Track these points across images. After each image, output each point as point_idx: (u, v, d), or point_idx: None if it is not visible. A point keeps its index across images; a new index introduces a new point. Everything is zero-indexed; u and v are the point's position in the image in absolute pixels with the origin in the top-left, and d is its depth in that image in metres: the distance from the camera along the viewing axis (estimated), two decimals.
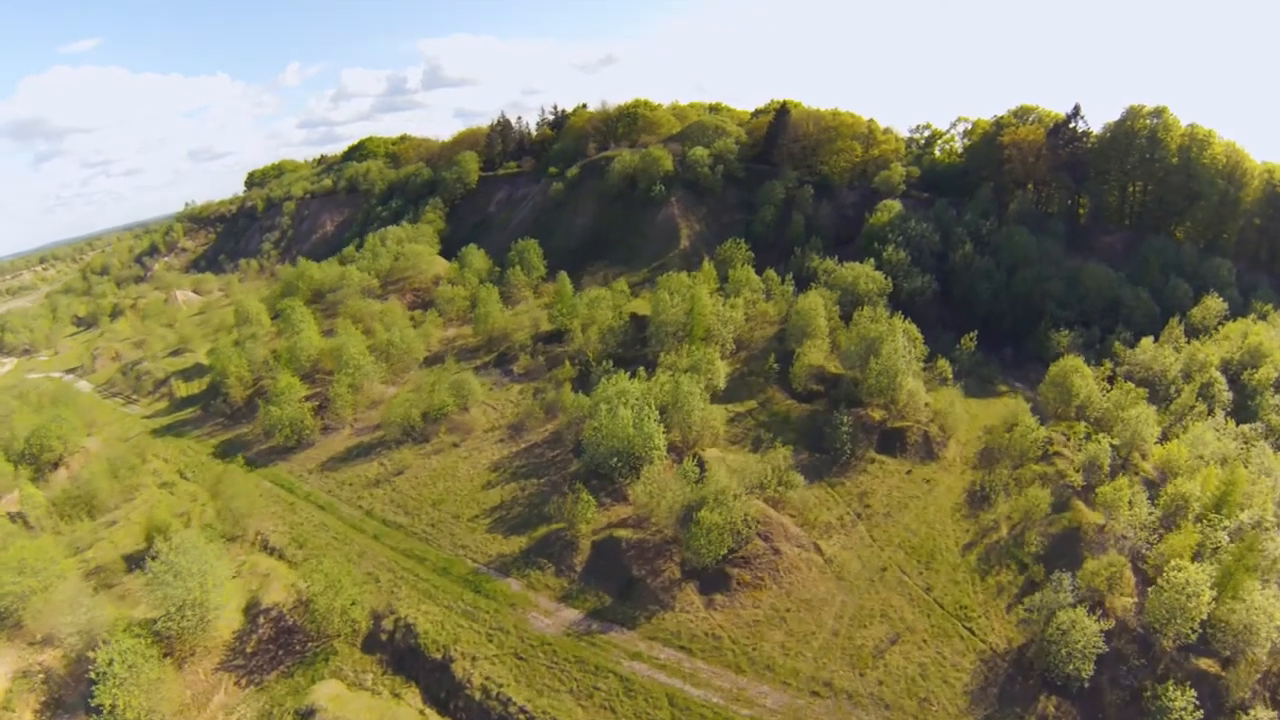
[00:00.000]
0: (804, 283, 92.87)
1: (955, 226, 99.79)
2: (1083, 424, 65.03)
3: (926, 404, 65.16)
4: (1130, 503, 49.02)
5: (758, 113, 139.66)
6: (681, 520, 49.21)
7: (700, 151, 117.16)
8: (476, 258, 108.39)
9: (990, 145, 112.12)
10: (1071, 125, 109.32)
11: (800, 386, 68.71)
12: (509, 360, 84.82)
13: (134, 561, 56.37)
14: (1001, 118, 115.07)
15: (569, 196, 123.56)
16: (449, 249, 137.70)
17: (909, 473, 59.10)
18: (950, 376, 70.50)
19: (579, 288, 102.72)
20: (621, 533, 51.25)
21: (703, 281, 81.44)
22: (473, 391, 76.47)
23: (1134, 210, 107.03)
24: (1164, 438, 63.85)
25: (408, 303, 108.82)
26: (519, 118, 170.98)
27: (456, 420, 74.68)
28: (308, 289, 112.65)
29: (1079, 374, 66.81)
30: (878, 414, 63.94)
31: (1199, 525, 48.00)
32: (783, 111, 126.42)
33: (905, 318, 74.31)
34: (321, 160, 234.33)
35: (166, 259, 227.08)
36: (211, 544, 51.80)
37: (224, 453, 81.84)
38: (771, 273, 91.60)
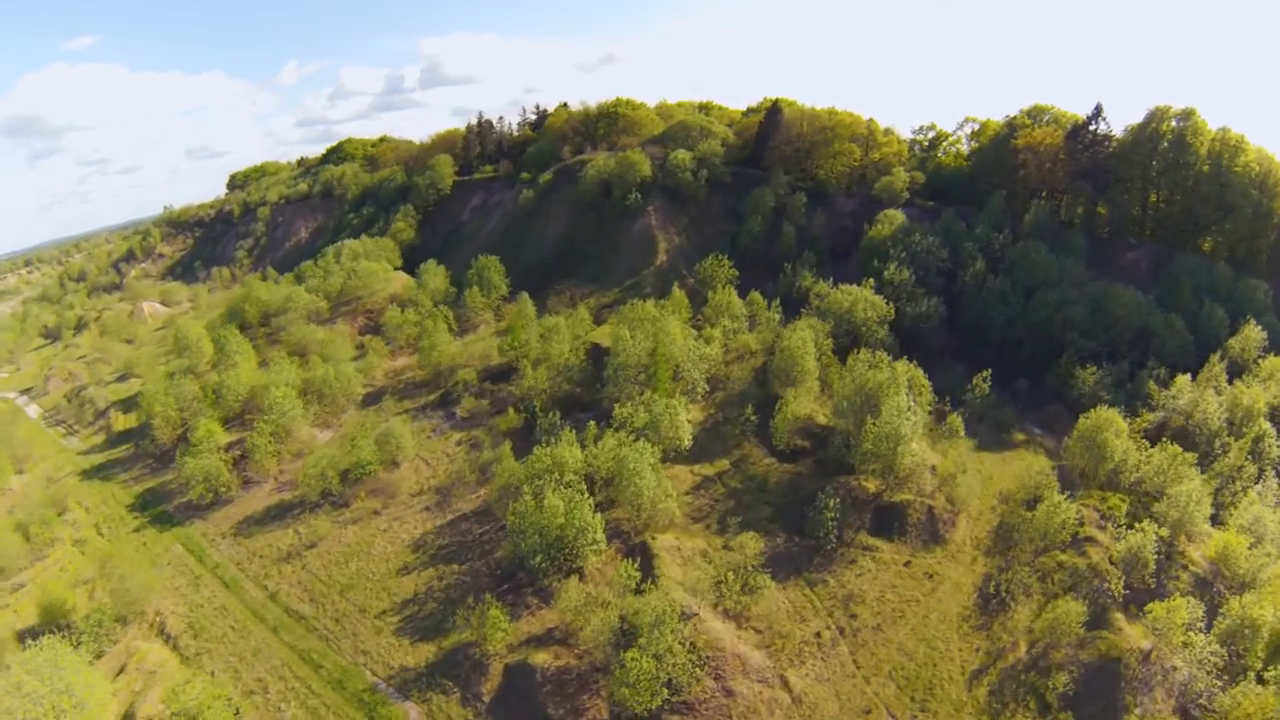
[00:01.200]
0: (794, 306, 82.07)
1: (965, 241, 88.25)
2: (1119, 497, 53.92)
3: (933, 468, 54.28)
4: (1186, 628, 38.11)
5: (749, 112, 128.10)
6: (615, 642, 38.99)
7: (682, 155, 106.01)
8: (434, 276, 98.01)
9: (1002, 149, 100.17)
10: (1092, 128, 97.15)
11: (782, 442, 58.03)
12: (453, 401, 74.67)
13: (29, 636, 51.24)
14: (1014, 118, 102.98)
15: (540, 205, 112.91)
16: (421, 259, 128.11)
17: (908, 563, 48.31)
18: (961, 429, 59.23)
19: (543, 309, 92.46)
20: (540, 657, 40.96)
21: (673, 311, 70.43)
22: (402, 446, 66.48)
23: (1158, 222, 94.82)
24: (1214, 510, 52.86)
25: (358, 327, 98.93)
26: (500, 118, 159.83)
27: (382, 480, 64.90)
28: (256, 311, 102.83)
29: (1114, 430, 55.62)
30: (873, 484, 53.12)
31: (1275, 668, 36.94)
32: (774, 110, 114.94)
33: (910, 360, 63.14)
34: (301, 163, 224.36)
35: (143, 265, 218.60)
36: (80, 650, 46.53)
37: (145, 503, 74.49)
38: (757, 296, 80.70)
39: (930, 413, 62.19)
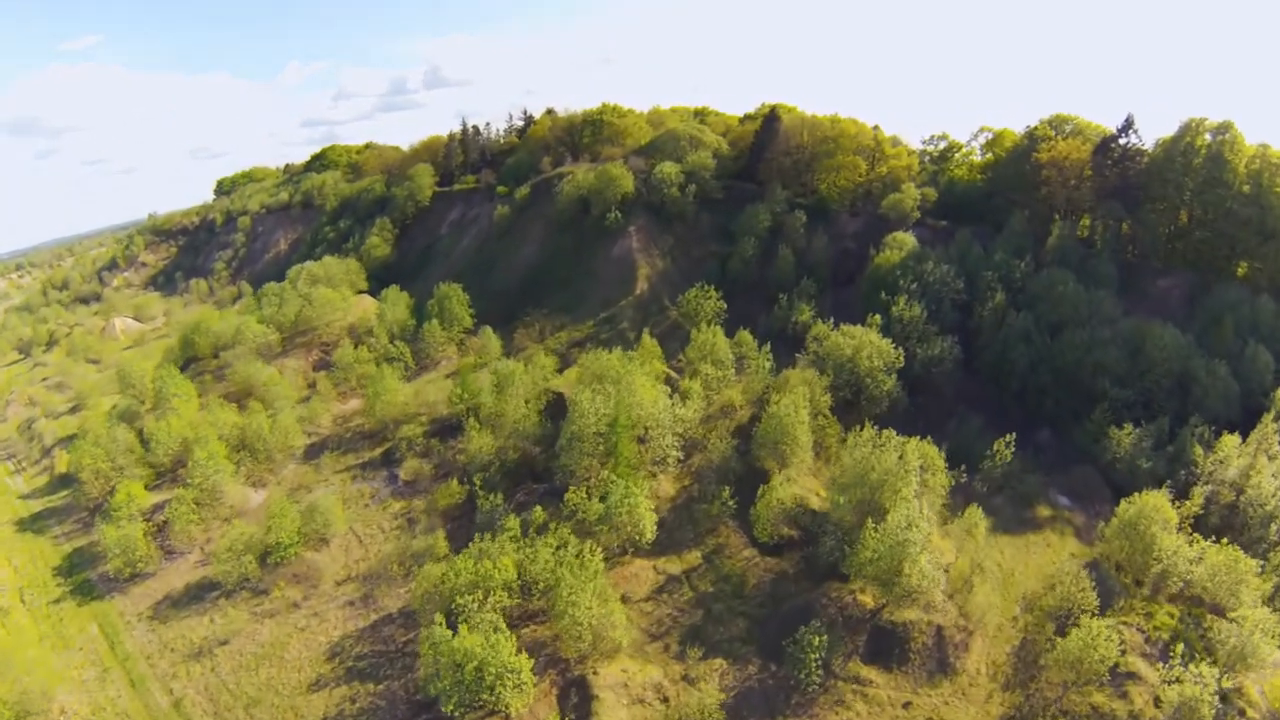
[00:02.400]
0: (789, 344, 73.05)
1: (982, 268, 78.43)
2: (1167, 610, 44.64)
3: (945, 569, 45.18)
4: None
5: (745, 119, 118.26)
6: None
7: (669, 168, 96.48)
8: (395, 306, 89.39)
9: (1021, 163, 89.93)
10: (1122, 141, 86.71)
11: (766, 534, 49.04)
12: (396, 460, 66.34)
13: None
14: (1035, 129, 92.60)
15: (515, 223, 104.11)
16: (396, 278, 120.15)
17: (908, 705, 39.37)
18: (981, 523, 49.59)
19: (510, 343, 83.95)
20: None
21: (641, 362, 61.18)
22: (331, 522, 58.26)
23: (1193, 247, 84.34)
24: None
25: (313, 361, 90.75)
26: (487, 123, 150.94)
27: (307, 562, 56.80)
28: (207, 343, 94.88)
29: (1161, 522, 46.30)
30: (870, 597, 44.07)
31: None
32: (771, 118, 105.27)
33: (924, 437, 53.64)
34: (287, 169, 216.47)
35: (126, 274, 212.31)
36: None
37: (72, 566, 67.44)
38: (746, 336, 71.63)
39: (945, 490, 53.01)
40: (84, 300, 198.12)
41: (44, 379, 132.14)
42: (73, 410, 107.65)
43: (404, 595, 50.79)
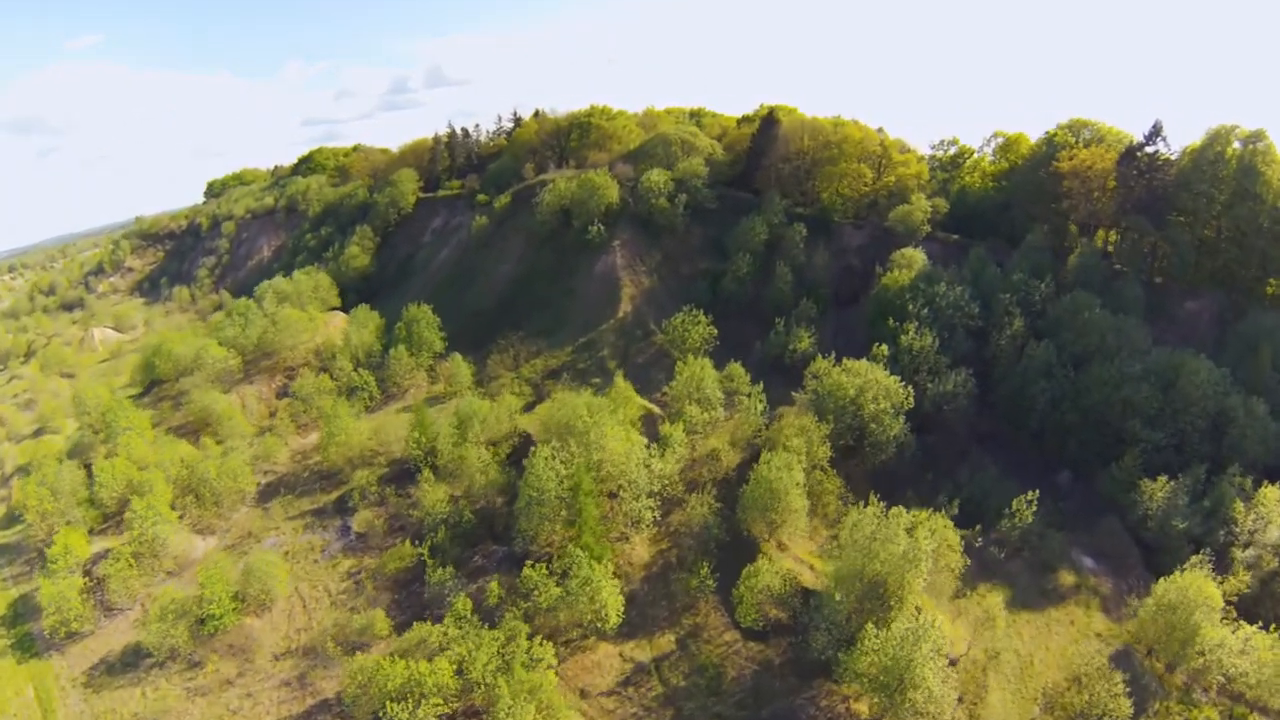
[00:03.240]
0: (786, 378, 66.75)
1: (999, 290, 71.52)
2: (1209, 713, 38.29)
3: (953, 662, 38.92)
4: None
5: (742, 121, 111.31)
6: None
7: (657, 176, 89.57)
8: (362, 329, 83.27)
9: (1038, 171, 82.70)
10: (1149, 149, 79.36)
11: (749, 619, 42.83)
12: (351, 509, 60.47)
13: None
14: (1053, 134, 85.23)
15: (495, 235, 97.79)
16: (377, 289, 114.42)
17: None
18: (999, 617, 43.12)
19: (484, 370, 77.92)
20: None
21: (614, 409, 54.50)
22: (271, 586, 52.49)
23: (1222, 266, 77.17)
24: None
25: (276, 388, 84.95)
26: (476, 125, 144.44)
27: (246, 629, 51.23)
28: (169, 368, 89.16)
29: (1205, 609, 39.88)
30: (866, 706, 37.85)
31: None
32: (769, 121, 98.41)
33: (937, 509, 47.33)
34: (275, 172, 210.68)
35: (112, 279, 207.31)
36: None
37: (15, 616, 62.11)
38: (738, 369, 65.30)
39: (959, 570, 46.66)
40: (69, 307, 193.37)
41: (15, 395, 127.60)
42: (36, 434, 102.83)
43: (340, 679, 45.05)
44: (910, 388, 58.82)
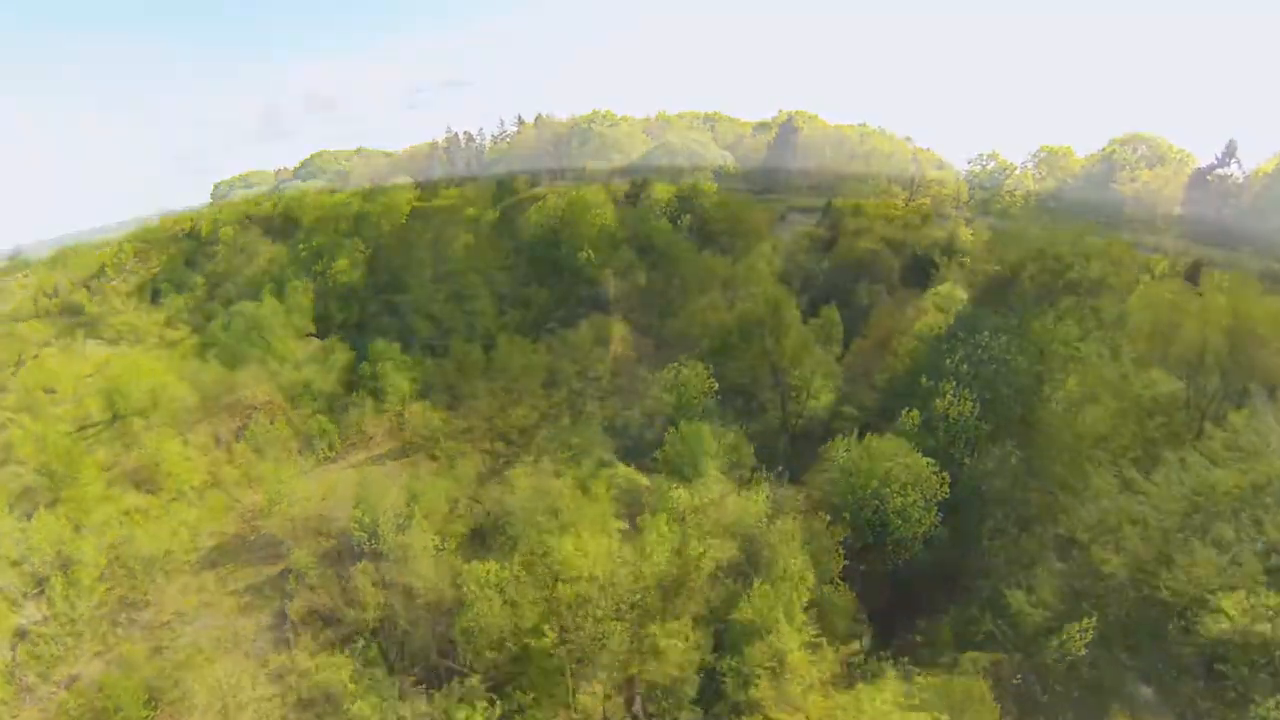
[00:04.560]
0: (800, 441, 57.50)
1: (1051, 340, 60.99)
2: None
3: None
4: None
5: (758, 128, 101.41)
6: None
7: (661, 192, 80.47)
8: (328, 373, 75.42)
9: (1095, 194, 71.83)
10: (1220, 171, 68.28)
11: None
12: (290, 593, 52.41)
13: None
14: (1109, 150, 74.12)
15: (481, 256, 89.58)
16: (362, 308, 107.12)
17: None
18: None
19: (456, 416, 69.27)
20: None
21: (586, 525, 44.42)
22: (190, 693, 44.69)
23: None
24: None
25: (236, 429, 77.27)
26: (480, 129, 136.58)
27: None
28: (127, 406, 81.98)
29: None
30: None
31: None
32: (788, 129, 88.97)
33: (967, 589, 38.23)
34: (278, 174, 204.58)
35: (114, 283, 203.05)
36: None
37: None
38: (740, 439, 55.98)
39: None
40: (71, 311, 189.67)
41: None
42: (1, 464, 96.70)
43: None
44: (946, 475, 48.76)
